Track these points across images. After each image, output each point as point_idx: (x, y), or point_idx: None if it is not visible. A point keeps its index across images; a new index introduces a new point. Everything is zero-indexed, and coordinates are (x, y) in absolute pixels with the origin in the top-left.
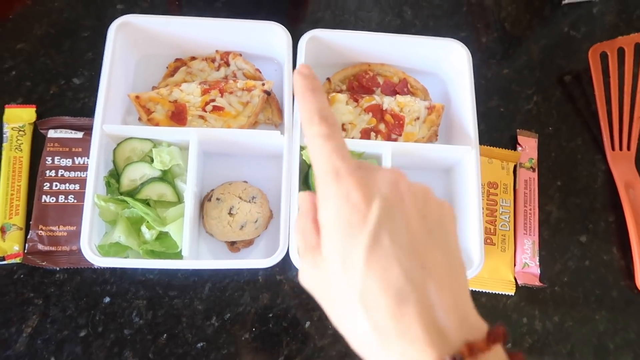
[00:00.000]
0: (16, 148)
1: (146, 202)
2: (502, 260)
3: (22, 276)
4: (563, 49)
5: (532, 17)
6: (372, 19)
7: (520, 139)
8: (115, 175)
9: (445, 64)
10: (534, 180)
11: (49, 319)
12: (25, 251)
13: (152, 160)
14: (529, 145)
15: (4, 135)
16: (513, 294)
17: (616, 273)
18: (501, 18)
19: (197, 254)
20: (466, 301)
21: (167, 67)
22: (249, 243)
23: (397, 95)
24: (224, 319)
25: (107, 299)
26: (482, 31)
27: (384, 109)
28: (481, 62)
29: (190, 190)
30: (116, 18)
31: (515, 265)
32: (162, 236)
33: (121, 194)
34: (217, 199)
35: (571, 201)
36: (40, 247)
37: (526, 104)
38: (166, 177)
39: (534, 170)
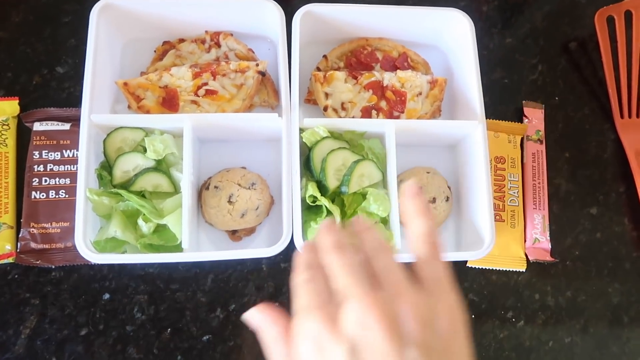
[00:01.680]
0: (1, 143)
1: (141, 194)
2: (512, 237)
3: (16, 276)
4: (567, 14)
5: None
6: None
7: (526, 110)
8: (107, 167)
9: (446, 36)
10: (542, 152)
11: (48, 318)
12: (18, 250)
13: (145, 150)
14: (535, 117)
15: None
16: (524, 270)
17: (629, 244)
18: None
19: (197, 245)
20: None
21: (154, 51)
22: (250, 231)
23: (398, 71)
24: (229, 311)
25: (106, 296)
26: (482, 0)
27: (384, 85)
28: (483, 32)
29: (186, 179)
30: (98, 1)
31: (525, 241)
32: (160, 229)
33: (114, 186)
34: (215, 187)
35: (580, 173)
36: (33, 245)
37: (531, 74)
38: (161, 166)
39: (541, 142)
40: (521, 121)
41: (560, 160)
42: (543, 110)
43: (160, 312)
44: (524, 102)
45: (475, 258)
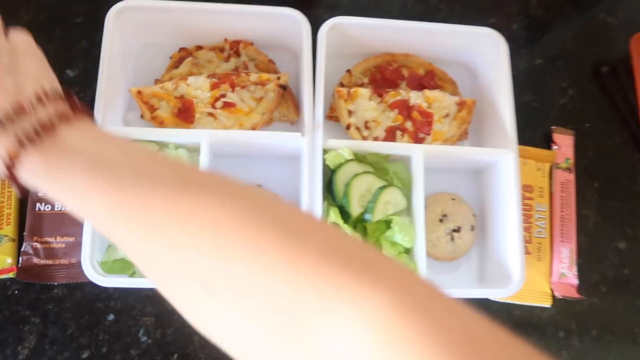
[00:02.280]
0: None
1: None
2: (538, 270)
3: (16, 292)
4: (600, 37)
5: (566, 1)
6: (394, 2)
7: (555, 136)
8: None
9: (476, 55)
10: (571, 182)
11: (48, 339)
12: (19, 265)
13: None
14: (564, 144)
15: None
16: (549, 307)
17: None
18: (533, 3)
19: None
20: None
21: (170, 58)
22: None
23: (425, 90)
24: None
25: (111, 317)
26: (512, 17)
27: (410, 105)
28: (512, 52)
29: None
30: (112, 1)
31: (551, 275)
32: None
33: None
34: None
35: (610, 205)
36: (35, 260)
37: (561, 98)
38: None
39: (570, 171)
40: (550, 147)
41: (590, 190)
42: (573, 137)
43: (167, 336)
44: (553, 127)
45: (502, 296)
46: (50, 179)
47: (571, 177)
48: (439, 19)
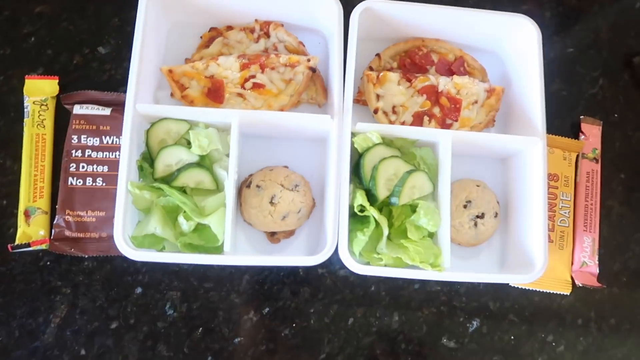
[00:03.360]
0: (39, 124)
1: (182, 190)
2: (560, 259)
3: (48, 263)
4: (633, 27)
5: None
6: None
7: (583, 126)
8: (148, 158)
9: (507, 43)
10: (597, 172)
11: (78, 309)
12: (52, 237)
13: (189, 143)
14: (592, 134)
15: (26, 110)
16: (568, 294)
17: None
18: None
19: (235, 245)
20: None
21: (201, 37)
22: (290, 234)
23: (454, 76)
24: (263, 314)
25: (139, 290)
26: (545, 4)
27: (439, 90)
28: (544, 40)
29: (231, 179)
30: None
31: (573, 263)
32: (200, 227)
33: (155, 179)
34: (258, 186)
35: (635, 196)
36: (67, 233)
37: (591, 87)
38: (204, 162)
39: (597, 161)
40: (577, 137)
41: (615, 181)
42: (601, 127)
43: (192, 311)
44: (581, 117)
45: (524, 282)
46: None
47: (597, 167)
48: (471, 4)
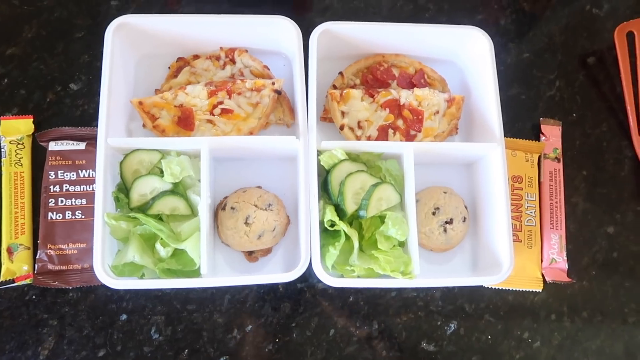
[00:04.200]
0: (16, 163)
1: (159, 217)
2: (529, 257)
3: (33, 297)
4: (585, 28)
5: None
6: (383, 4)
7: (543, 128)
8: (123, 189)
9: (463, 53)
10: (559, 171)
11: (66, 340)
12: (36, 272)
13: (162, 172)
14: (552, 134)
15: (2, 150)
16: (540, 291)
17: None
18: None
19: (214, 267)
20: None
21: (169, 68)
22: (267, 251)
23: (415, 89)
24: (246, 331)
25: (123, 316)
26: (499, 13)
27: (401, 104)
28: (500, 47)
29: (204, 203)
30: (111, 15)
31: (542, 261)
32: (178, 253)
33: (131, 209)
34: (232, 208)
35: (597, 191)
36: (50, 267)
37: (548, 90)
38: (177, 189)
39: (559, 160)
40: (538, 139)
41: (577, 178)
42: (560, 128)
43: (177, 333)
44: (541, 119)
45: (493, 283)
46: None
47: (559, 166)
48: (428, 18)
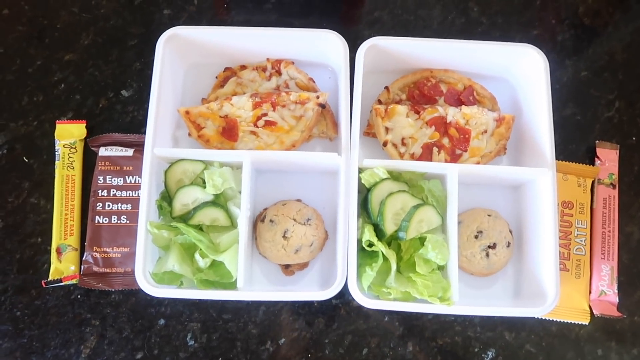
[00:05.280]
0: (68, 166)
1: (199, 227)
2: (576, 288)
3: (79, 297)
4: None
5: (615, 10)
6: (434, 17)
7: (599, 151)
8: (167, 198)
9: (516, 70)
10: (614, 198)
11: (106, 340)
12: (81, 273)
13: (204, 183)
14: (609, 159)
15: (57, 153)
16: (587, 324)
17: None
18: (579, 12)
19: (250, 278)
20: None
21: (216, 77)
22: (303, 266)
23: (463, 106)
24: (279, 344)
25: (162, 321)
26: (557, 28)
27: (447, 121)
28: (556, 64)
29: (244, 215)
30: (163, 24)
31: (590, 292)
32: (216, 264)
33: (173, 218)
34: (271, 220)
35: None
36: (95, 269)
37: (606, 111)
38: (219, 200)
39: (614, 187)
40: (593, 162)
41: (634, 206)
42: (618, 152)
43: (212, 341)
44: (597, 142)
45: (537, 315)
46: None
47: (614, 192)
48: (480, 32)
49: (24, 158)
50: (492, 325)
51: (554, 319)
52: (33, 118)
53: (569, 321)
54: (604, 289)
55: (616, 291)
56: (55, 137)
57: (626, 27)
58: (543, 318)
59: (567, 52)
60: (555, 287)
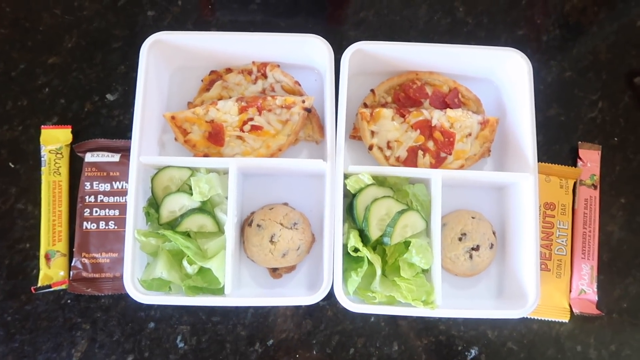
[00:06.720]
0: (55, 172)
1: (186, 234)
2: (557, 287)
3: (69, 301)
4: (634, 45)
5: (599, 9)
6: (420, 17)
7: (581, 152)
8: (154, 204)
9: (500, 72)
10: (595, 199)
11: (97, 343)
12: (71, 279)
13: (191, 189)
14: (591, 159)
15: (43, 159)
16: (567, 321)
17: None
18: (564, 12)
19: (238, 282)
20: None
21: (202, 80)
22: (291, 269)
23: (448, 110)
24: (267, 345)
25: (151, 324)
26: (542, 27)
27: (432, 125)
28: (540, 64)
29: (230, 222)
30: (147, 26)
31: (570, 291)
32: (204, 270)
33: (161, 225)
34: (258, 225)
35: (636, 220)
36: (84, 274)
37: (590, 111)
38: (205, 206)
39: (595, 187)
40: (575, 163)
41: (615, 205)
42: (600, 152)
43: (201, 343)
44: (580, 142)
45: (517, 316)
46: None
47: (596, 193)
48: (466, 32)
49: (10, 164)
50: (475, 324)
51: (535, 317)
52: (18, 123)
53: (550, 319)
54: (584, 288)
55: (596, 290)
56: (41, 143)
57: (611, 25)
58: (525, 316)
59: (552, 52)
60: (535, 290)
